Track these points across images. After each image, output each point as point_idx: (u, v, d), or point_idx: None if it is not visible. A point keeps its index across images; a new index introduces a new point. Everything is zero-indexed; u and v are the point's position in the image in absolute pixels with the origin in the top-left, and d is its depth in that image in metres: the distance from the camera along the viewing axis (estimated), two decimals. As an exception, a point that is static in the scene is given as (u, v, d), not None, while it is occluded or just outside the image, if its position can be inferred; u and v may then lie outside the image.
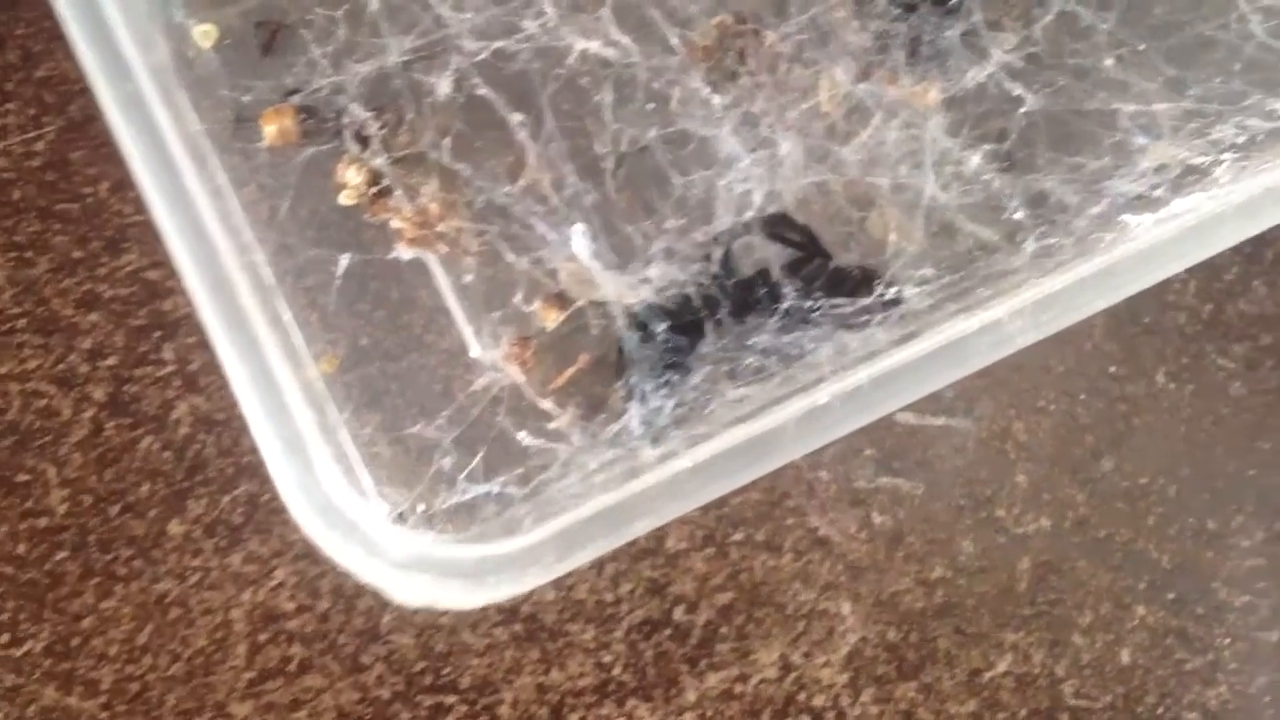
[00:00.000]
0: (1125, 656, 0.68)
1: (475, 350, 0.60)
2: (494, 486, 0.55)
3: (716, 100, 0.60)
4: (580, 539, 0.46)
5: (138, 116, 0.46)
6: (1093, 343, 0.69)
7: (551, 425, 0.57)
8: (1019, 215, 0.57)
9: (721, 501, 0.66)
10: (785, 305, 0.56)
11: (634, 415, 0.55)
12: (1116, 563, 0.68)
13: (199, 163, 0.48)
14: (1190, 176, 0.56)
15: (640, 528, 0.47)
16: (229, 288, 0.46)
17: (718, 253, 0.57)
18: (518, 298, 0.59)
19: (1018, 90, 0.59)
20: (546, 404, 0.58)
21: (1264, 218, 0.50)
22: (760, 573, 0.66)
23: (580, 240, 0.57)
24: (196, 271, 0.46)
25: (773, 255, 0.58)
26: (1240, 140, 0.57)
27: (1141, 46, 0.62)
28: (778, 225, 0.59)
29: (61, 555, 0.62)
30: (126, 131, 0.46)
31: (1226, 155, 0.56)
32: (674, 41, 0.60)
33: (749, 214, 0.58)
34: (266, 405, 0.45)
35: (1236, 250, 0.70)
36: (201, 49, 0.60)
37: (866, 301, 0.55)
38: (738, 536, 0.66)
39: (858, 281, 0.57)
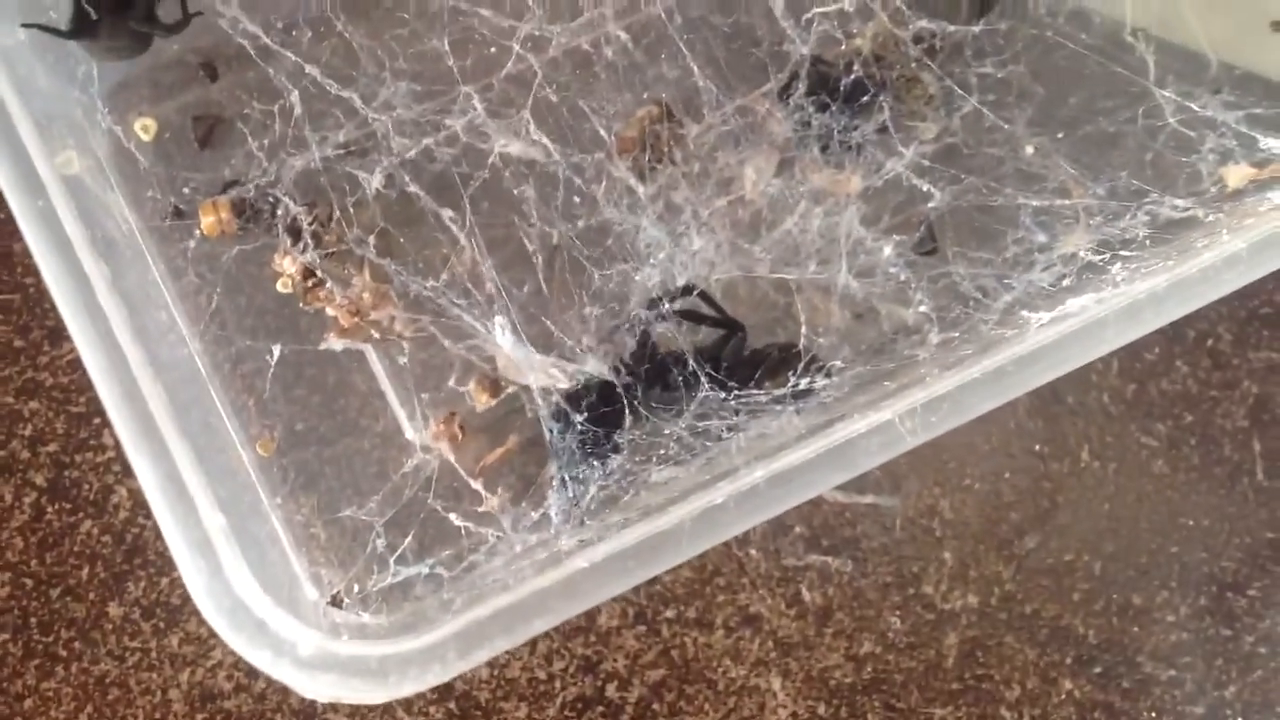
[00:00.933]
0: (1053, 730, 0.69)
1: (409, 432, 0.61)
2: (424, 568, 0.57)
3: (641, 190, 0.61)
4: (480, 638, 0.48)
5: (49, 233, 0.47)
6: (1017, 421, 0.70)
7: (481, 508, 0.59)
8: (924, 308, 0.58)
9: (653, 579, 0.67)
10: (702, 394, 0.57)
11: (554, 504, 0.57)
12: (1043, 638, 0.69)
13: (120, 267, 0.49)
14: (1090, 273, 0.57)
15: (539, 625, 0.48)
16: (138, 401, 0.47)
17: (630, 341, 0.58)
18: (452, 380, 0.60)
19: (926, 186, 0.61)
20: (477, 485, 0.59)
21: (1146, 321, 0.52)
22: (691, 649, 0.67)
23: (502, 332, 0.58)
24: (106, 385, 0.47)
25: (688, 341, 0.59)
26: (1144, 235, 0.59)
27: (1060, 134, 0.64)
28: (689, 302, 0.60)
29: (3, 637, 0.64)
30: (38, 248, 0.47)
31: (1126, 253, 0.57)
32: (600, 132, 0.61)
33: (657, 294, 0.59)
34: (175, 511, 0.47)
35: (1159, 331, 0.71)
36: (142, 141, 0.62)
37: (779, 392, 0.57)
38: (669, 613, 0.67)
39: (777, 361, 0.59)
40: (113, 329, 0.47)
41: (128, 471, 0.65)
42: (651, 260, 0.60)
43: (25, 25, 0.53)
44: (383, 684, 0.47)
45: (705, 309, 0.59)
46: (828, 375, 0.57)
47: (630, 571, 0.49)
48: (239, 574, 0.47)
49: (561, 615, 0.48)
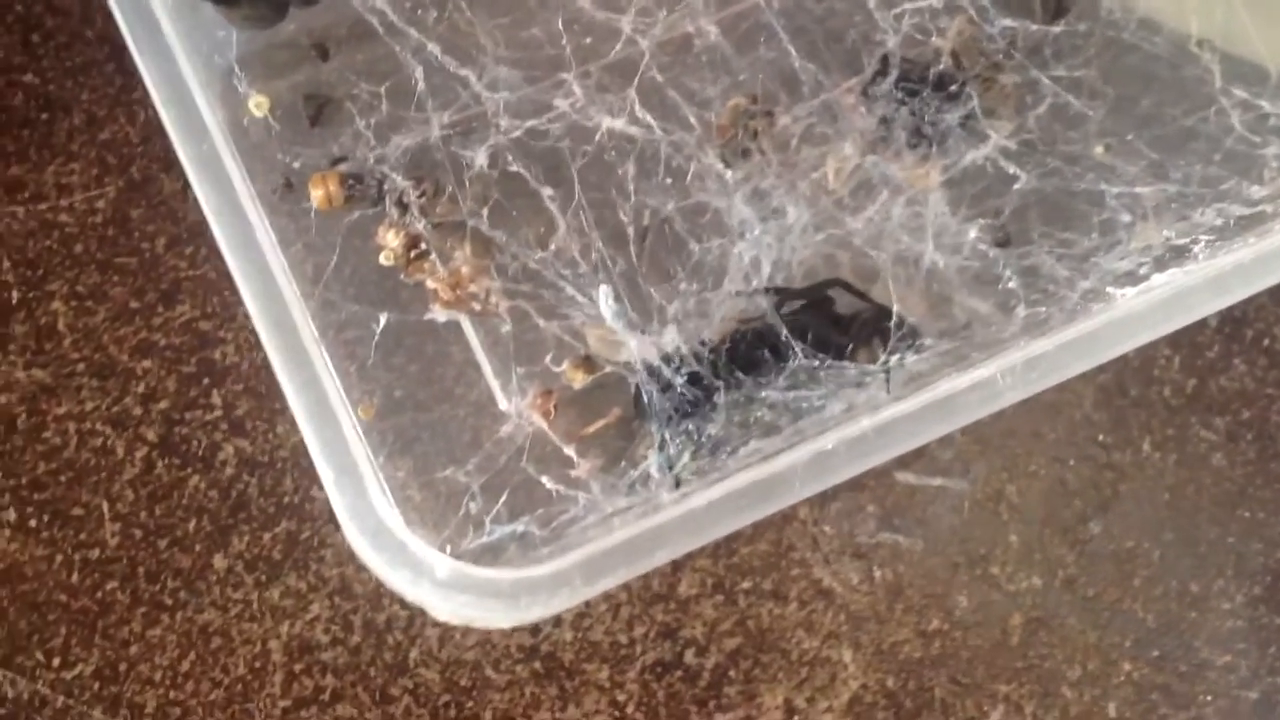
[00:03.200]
0: (1112, 710, 0.71)
1: (503, 403, 0.64)
2: (518, 526, 0.59)
3: (729, 175, 0.64)
4: (604, 567, 0.50)
5: (212, 174, 0.50)
6: (1082, 412, 0.73)
7: (573, 473, 0.61)
8: (1012, 284, 0.61)
9: (731, 551, 0.70)
10: (793, 364, 0.60)
11: (653, 462, 0.59)
12: (1104, 621, 0.72)
13: (257, 220, 0.52)
14: (1170, 254, 0.60)
15: (661, 557, 0.51)
16: (291, 328, 0.50)
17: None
18: (547, 358, 0.63)
19: (1013, 169, 0.63)
20: (570, 451, 0.62)
21: (1234, 291, 0.54)
22: (767, 620, 0.70)
23: (606, 302, 0.61)
24: (263, 313, 0.50)
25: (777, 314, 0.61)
26: (1218, 223, 0.61)
27: (1129, 136, 0.66)
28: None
29: (111, 585, 0.66)
30: (201, 188, 0.50)
31: (1204, 236, 0.60)
32: (692, 120, 0.64)
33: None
34: (323, 435, 0.49)
35: (1218, 330, 0.74)
36: (255, 118, 0.65)
37: (868, 367, 0.59)
38: (745, 585, 0.70)
39: (872, 328, 0.61)
40: (269, 263, 0.50)
41: (235, 430, 0.68)
42: (742, 239, 0.62)
43: (171, -16, 0.56)
44: (514, 606, 0.50)
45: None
46: (917, 351, 0.60)
47: (744, 509, 0.51)
48: (380, 500, 0.49)
49: (680, 548, 0.51)
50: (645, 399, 0.60)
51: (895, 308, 0.61)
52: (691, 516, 0.51)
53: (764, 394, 0.60)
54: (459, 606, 0.50)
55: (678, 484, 0.58)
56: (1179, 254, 0.60)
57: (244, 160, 0.62)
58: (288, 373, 0.50)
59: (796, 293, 0.63)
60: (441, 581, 0.50)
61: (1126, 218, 0.62)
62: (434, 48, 0.62)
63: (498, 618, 0.50)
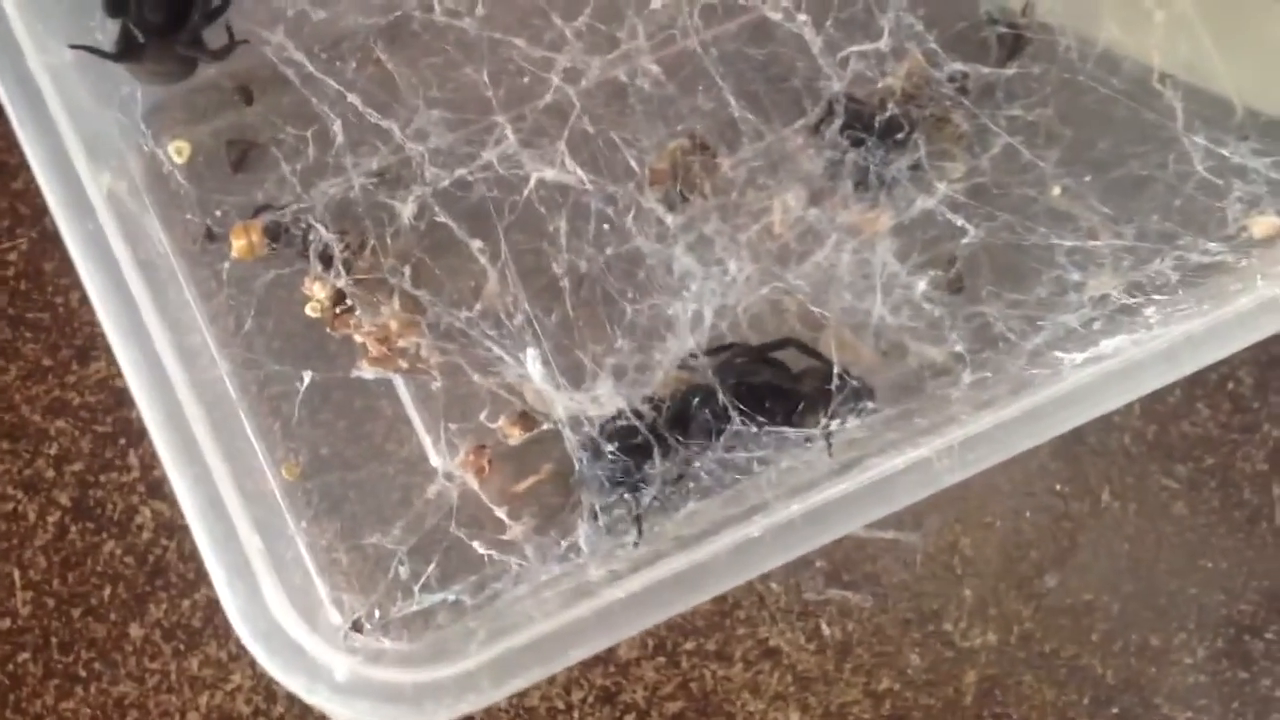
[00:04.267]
0: (1069, 770, 0.69)
1: (434, 459, 0.61)
2: (448, 595, 0.57)
3: (670, 220, 0.61)
4: (515, 666, 0.48)
5: (95, 250, 0.48)
6: (1039, 461, 0.71)
7: (506, 536, 0.59)
8: (959, 348, 0.59)
9: (673, 611, 0.67)
10: (733, 428, 0.57)
11: (583, 534, 0.57)
12: (1061, 678, 0.70)
13: (157, 286, 0.50)
14: (1122, 315, 0.58)
15: (574, 655, 0.48)
16: (181, 422, 0.48)
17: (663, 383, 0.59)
18: (483, 414, 0.60)
19: (960, 222, 0.61)
20: (501, 513, 0.59)
21: (1183, 364, 0.52)
22: (710, 682, 0.67)
23: (533, 364, 0.59)
24: (150, 407, 0.48)
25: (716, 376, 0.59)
26: (1175, 279, 0.59)
27: (1087, 178, 0.64)
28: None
29: (23, 656, 0.64)
30: (86, 267, 0.48)
31: (1159, 296, 0.58)
32: (631, 164, 0.62)
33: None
34: (214, 533, 0.47)
35: (1180, 373, 0.72)
36: (176, 165, 0.62)
37: (811, 432, 0.57)
38: (689, 645, 0.67)
39: (814, 398, 0.59)
40: (156, 349, 0.48)
41: (152, 492, 0.65)
42: (685, 292, 0.60)
43: (73, 46, 0.53)
44: (418, 711, 0.48)
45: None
46: (859, 415, 0.57)
47: (666, 603, 0.49)
48: (275, 598, 0.47)
49: (596, 646, 0.49)
50: (577, 467, 0.58)
51: (836, 369, 0.58)
52: (608, 612, 0.49)
53: (702, 458, 0.58)
54: (359, 713, 0.47)
55: (640, 533, 0.56)
56: (1132, 312, 0.58)
57: (162, 211, 0.60)
58: (176, 468, 0.47)
59: (746, 350, 0.60)
60: (340, 686, 0.48)
61: (1076, 275, 0.59)
62: (354, 98, 0.60)
63: (402, 722, 0.48)
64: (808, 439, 0.57)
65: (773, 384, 0.59)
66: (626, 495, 0.57)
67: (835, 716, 0.68)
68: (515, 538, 0.59)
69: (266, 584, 0.47)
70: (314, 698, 0.48)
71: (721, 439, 0.57)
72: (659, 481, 0.57)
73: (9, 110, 0.49)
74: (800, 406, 0.58)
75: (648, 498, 0.57)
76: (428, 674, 0.48)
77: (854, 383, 0.58)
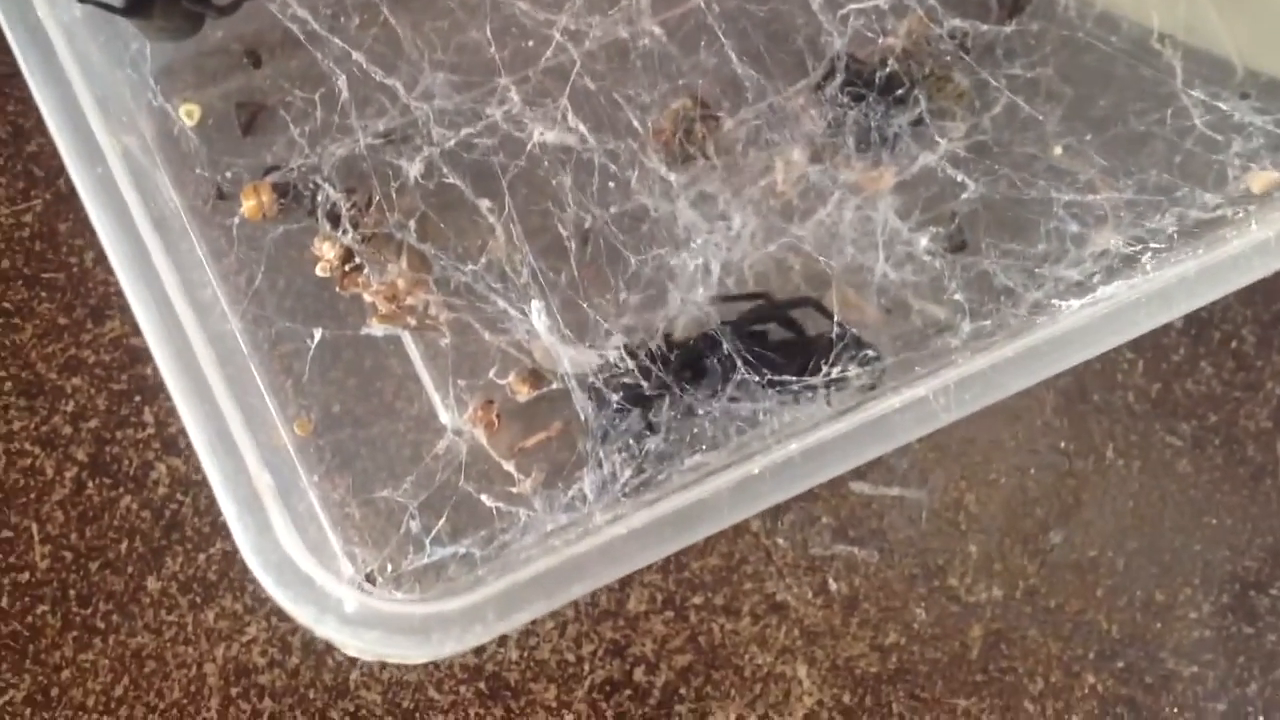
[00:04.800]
0: (1075, 724, 0.70)
1: (443, 416, 0.62)
2: (459, 548, 0.58)
3: (673, 178, 0.62)
4: (520, 600, 0.49)
5: (108, 199, 0.49)
6: (1043, 419, 0.71)
7: (514, 489, 0.60)
8: (959, 297, 0.59)
9: (681, 565, 0.68)
10: (737, 377, 0.58)
11: (589, 482, 0.58)
12: (1066, 632, 0.70)
13: (169, 241, 0.50)
14: (1121, 264, 0.58)
15: (578, 590, 0.49)
16: (191, 360, 0.49)
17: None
18: (491, 371, 0.61)
19: (960, 177, 0.62)
20: (510, 467, 0.60)
21: (1177, 304, 0.53)
22: (719, 636, 0.68)
23: (538, 316, 0.59)
24: (162, 346, 0.49)
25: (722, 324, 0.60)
26: (1172, 230, 0.59)
27: (1087, 137, 0.65)
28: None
29: (42, 609, 0.65)
30: (97, 214, 0.49)
31: (1156, 245, 0.58)
32: (634, 122, 0.63)
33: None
34: (225, 468, 0.48)
35: (1183, 332, 0.72)
36: (185, 126, 0.63)
37: (814, 380, 0.58)
38: (697, 600, 0.68)
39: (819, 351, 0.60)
40: (168, 296, 0.49)
41: (167, 448, 0.66)
42: (691, 243, 0.61)
43: (82, 0, 0.54)
44: (425, 642, 0.49)
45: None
46: (862, 364, 0.58)
47: (667, 538, 0.50)
48: (286, 533, 0.48)
49: (599, 580, 0.49)
50: (581, 416, 0.59)
51: (836, 322, 0.59)
52: (610, 547, 0.50)
53: (707, 407, 0.58)
54: (368, 643, 0.48)
55: (618, 500, 0.57)
56: (1129, 263, 0.58)
57: (173, 171, 0.61)
58: (188, 406, 0.48)
59: (768, 305, 0.61)
60: (349, 617, 0.49)
61: (1075, 228, 0.60)
62: (359, 56, 0.61)
63: (409, 653, 0.49)
64: (810, 389, 0.58)
65: (785, 340, 0.60)
66: (631, 441, 0.58)
67: (842, 670, 0.68)
68: (525, 490, 0.60)
69: (277, 519, 0.48)
70: (323, 629, 0.49)
71: (728, 388, 0.58)
72: (664, 429, 0.58)
73: (22, 64, 0.50)
74: (810, 363, 0.59)
75: (652, 444, 0.58)
76: (435, 606, 0.49)
77: (858, 332, 0.59)
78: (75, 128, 0.49)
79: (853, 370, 0.58)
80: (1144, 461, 0.72)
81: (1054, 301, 0.57)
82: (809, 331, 0.61)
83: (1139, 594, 0.71)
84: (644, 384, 0.58)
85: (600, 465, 0.58)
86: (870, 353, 0.59)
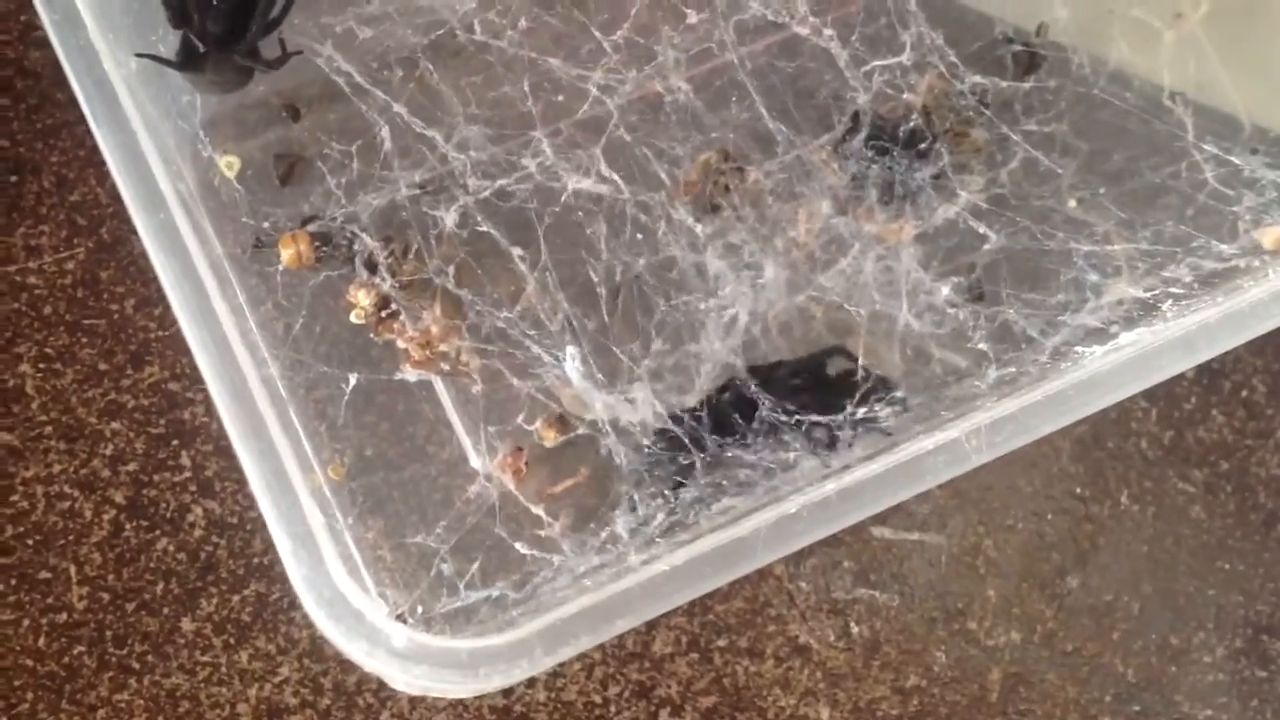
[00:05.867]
0: (1092, 767, 0.71)
1: (475, 461, 0.64)
2: (492, 591, 0.59)
3: (700, 229, 0.64)
4: (565, 635, 0.50)
5: (169, 242, 0.50)
6: (1059, 466, 0.73)
7: (544, 533, 0.61)
8: (983, 346, 0.61)
9: (706, 608, 0.69)
10: (766, 422, 0.59)
11: (621, 524, 0.59)
12: (1083, 676, 0.71)
13: (223, 283, 0.52)
14: (1139, 311, 0.60)
15: (621, 625, 0.50)
16: (248, 397, 0.50)
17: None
18: (520, 417, 0.62)
19: (982, 229, 0.63)
20: (539, 511, 0.61)
21: (1199, 350, 0.54)
22: (743, 678, 0.69)
23: (572, 363, 0.61)
24: (219, 382, 0.50)
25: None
26: (1188, 279, 0.61)
27: (1102, 190, 0.66)
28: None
29: (79, 649, 0.66)
30: (158, 256, 0.50)
31: (1175, 291, 0.60)
32: (663, 177, 0.64)
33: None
34: (280, 505, 0.49)
35: (1195, 381, 0.74)
36: (226, 178, 0.65)
37: (840, 417, 0.59)
38: (721, 642, 0.69)
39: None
40: (226, 334, 0.50)
41: (204, 491, 0.67)
42: (720, 293, 0.62)
43: (139, 55, 0.56)
44: (473, 676, 0.49)
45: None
46: (890, 404, 0.60)
47: (708, 576, 0.51)
48: (337, 569, 0.49)
49: (642, 616, 0.51)
50: (616, 459, 0.60)
51: (860, 360, 0.61)
52: (652, 584, 0.51)
53: (737, 454, 0.60)
54: (416, 677, 0.49)
55: (651, 542, 0.58)
56: (1149, 310, 0.60)
57: (214, 220, 0.62)
58: (244, 443, 0.49)
59: (797, 360, 0.63)
60: (398, 652, 0.50)
61: (1094, 277, 0.62)
62: (400, 108, 0.63)
63: (457, 688, 0.50)
64: (837, 433, 0.59)
65: (815, 383, 0.62)
66: (666, 491, 0.59)
67: (864, 712, 0.69)
68: (554, 534, 0.61)
69: (329, 554, 0.49)
70: (374, 663, 0.50)
71: (760, 438, 0.59)
72: (698, 480, 0.59)
73: (86, 111, 0.51)
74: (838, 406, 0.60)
75: (688, 496, 0.59)
76: (483, 641, 0.50)
77: (885, 376, 0.60)
78: (140, 174, 0.50)
79: (881, 411, 0.59)
80: (1158, 508, 0.73)
81: (1076, 349, 0.59)
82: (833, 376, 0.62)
83: (1154, 638, 0.72)
84: (677, 430, 0.60)
85: (633, 509, 0.59)
86: (897, 394, 0.60)
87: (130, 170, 0.50)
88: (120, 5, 0.57)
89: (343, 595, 0.49)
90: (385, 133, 0.62)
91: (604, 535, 0.59)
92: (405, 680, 0.50)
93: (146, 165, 0.51)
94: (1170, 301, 0.59)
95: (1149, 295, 0.60)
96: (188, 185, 0.61)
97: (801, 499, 0.52)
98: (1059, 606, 0.72)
